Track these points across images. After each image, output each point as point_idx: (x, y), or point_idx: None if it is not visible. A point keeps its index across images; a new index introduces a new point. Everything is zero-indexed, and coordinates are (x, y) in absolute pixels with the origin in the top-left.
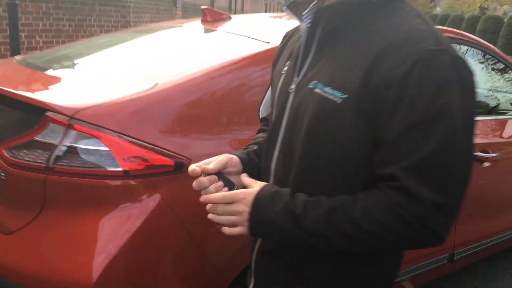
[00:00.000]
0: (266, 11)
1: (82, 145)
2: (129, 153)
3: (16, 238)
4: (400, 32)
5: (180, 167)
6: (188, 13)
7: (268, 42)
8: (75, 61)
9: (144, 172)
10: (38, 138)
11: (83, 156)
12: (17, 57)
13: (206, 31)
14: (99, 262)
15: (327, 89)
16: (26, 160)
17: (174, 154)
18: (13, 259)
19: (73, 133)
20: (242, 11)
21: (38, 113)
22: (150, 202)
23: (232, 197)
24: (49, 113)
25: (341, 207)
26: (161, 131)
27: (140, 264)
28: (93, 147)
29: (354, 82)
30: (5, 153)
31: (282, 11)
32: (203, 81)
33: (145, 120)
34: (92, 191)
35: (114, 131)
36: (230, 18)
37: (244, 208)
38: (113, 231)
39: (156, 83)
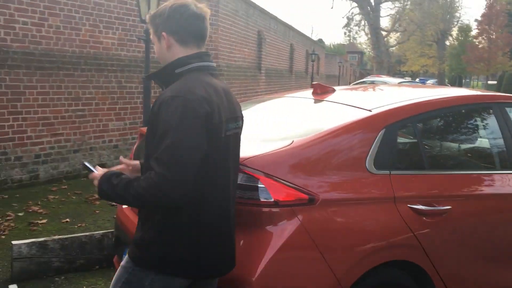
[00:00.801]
0: (339, 73)
1: (246, 182)
2: (278, 189)
3: None
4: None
5: (312, 200)
6: (270, 77)
7: (370, 110)
8: None
9: (287, 203)
10: None
11: (246, 191)
12: None
13: (317, 101)
14: (256, 266)
15: None
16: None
17: (307, 191)
18: None
19: (241, 174)
20: (318, 74)
21: None
22: (292, 225)
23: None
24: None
25: (132, 181)
26: (297, 174)
27: (284, 269)
28: (254, 184)
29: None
30: None
31: (354, 71)
32: (324, 139)
33: (286, 166)
34: (252, 215)
35: (267, 173)
36: (334, 90)
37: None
38: (267, 244)
39: (293, 141)
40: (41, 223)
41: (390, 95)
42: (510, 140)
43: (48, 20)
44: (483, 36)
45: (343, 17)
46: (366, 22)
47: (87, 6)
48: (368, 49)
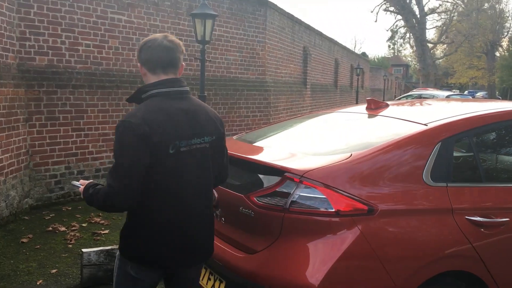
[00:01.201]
0: (384, 86)
1: (308, 194)
2: (338, 199)
3: (260, 255)
4: None
5: (371, 211)
6: (315, 92)
7: (425, 124)
8: (278, 137)
9: (348, 213)
10: (278, 189)
11: (308, 201)
12: (234, 137)
13: (372, 116)
14: (319, 272)
15: None
16: (270, 204)
17: (366, 202)
18: (259, 270)
19: (302, 186)
20: (362, 88)
21: (274, 173)
22: (352, 234)
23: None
24: (286, 174)
25: (100, 190)
26: (356, 186)
27: (345, 277)
28: (315, 195)
29: None
30: (255, 199)
31: (399, 84)
32: (382, 153)
33: (346, 178)
34: (314, 225)
35: (327, 185)
36: (387, 105)
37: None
38: (328, 252)
39: (351, 154)
40: (103, 233)
41: (444, 109)
42: None
43: (108, 42)
44: None
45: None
46: (411, 34)
47: (143, 28)
48: (414, 62)
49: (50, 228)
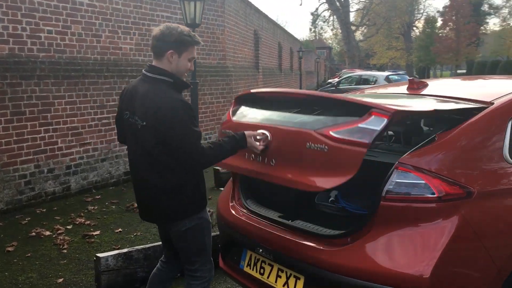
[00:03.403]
0: (315, 69)
1: (405, 179)
2: (440, 185)
3: (354, 247)
4: None
5: (470, 194)
6: (266, 76)
7: (491, 103)
8: None
9: (449, 197)
10: (361, 125)
11: (406, 187)
12: None
13: (417, 96)
14: (428, 262)
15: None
16: (350, 139)
17: (464, 185)
18: (354, 263)
19: (399, 172)
20: (300, 71)
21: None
22: (455, 219)
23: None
24: (373, 110)
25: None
26: (452, 169)
27: (453, 262)
28: (414, 181)
29: None
30: (332, 133)
31: (326, 66)
32: (465, 134)
33: (441, 162)
34: (414, 212)
35: (428, 170)
36: (427, 85)
37: None
38: (434, 240)
39: (435, 136)
40: (95, 235)
41: (496, 86)
42: None
43: (71, 28)
44: (449, 27)
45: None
46: (335, 17)
47: (106, 12)
48: (335, 44)
49: (33, 234)
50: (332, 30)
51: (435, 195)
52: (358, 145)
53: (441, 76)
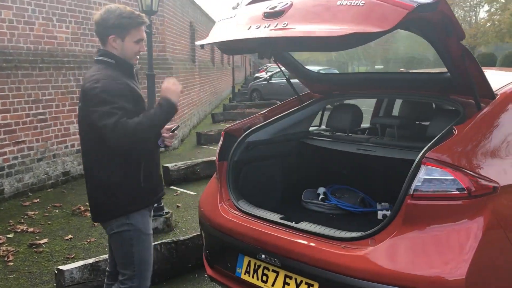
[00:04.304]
0: (241, 63)
1: (435, 176)
2: (469, 180)
3: (378, 249)
4: None
5: (496, 189)
6: (201, 69)
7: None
8: None
9: (478, 193)
10: None
11: (435, 184)
12: None
13: None
14: (464, 261)
15: None
16: None
17: (489, 179)
18: (385, 267)
19: (426, 167)
20: (229, 64)
21: None
22: (484, 215)
23: None
24: None
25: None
26: (481, 165)
27: (485, 260)
28: (443, 177)
29: None
30: None
31: (250, 60)
32: (481, 127)
33: (471, 158)
34: (442, 209)
35: (457, 166)
36: None
37: None
38: (466, 239)
39: (454, 128)
40: (43, 243)
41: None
42: None
43: (0, 13)
44: None
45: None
46: None
47: None
48: None
49: None
50: None
51: (465, 192)
52: (401, 6)
53: (358, 70)
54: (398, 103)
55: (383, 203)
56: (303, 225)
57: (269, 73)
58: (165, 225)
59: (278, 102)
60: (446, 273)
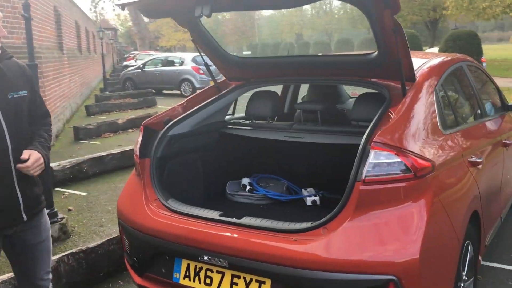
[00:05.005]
0: (105, 51)
1: (382, 159)
2: (413, 161)
3: (333, 237)
4: None
5: (433, 168)
6: (70, 58)
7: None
8: None
9: (421, 173)
10: None
11: (384, 168)
12: None
13: None
14: (416, 241)
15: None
16: None
17: (430, 159)
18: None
19: (374, 152)
20: (96, 52)
21: None
22: (428, 194)
23: None
24: None
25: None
26: (420, 146)
27: (433, 238)
28: (390, 160)
29: None
30: None
31: (115, 48)
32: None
33: (412, 139)
34: (392, 192)
35: (401, 148)
36: None
37: None
38: (416, 219)
39: (390, 112)
40: None
41: None
42: None
43: None
44: None
45: None
46: None
47: None
48: (118, 25)
49: None
50: (113, 10)
51: (411, 173)
52: None
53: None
54: (304, 87)
55: (308, 189)
56: (247, 220)
57: (140, 61)
58: (61, 232)
59: (153, 91)
60: (401, 254)
